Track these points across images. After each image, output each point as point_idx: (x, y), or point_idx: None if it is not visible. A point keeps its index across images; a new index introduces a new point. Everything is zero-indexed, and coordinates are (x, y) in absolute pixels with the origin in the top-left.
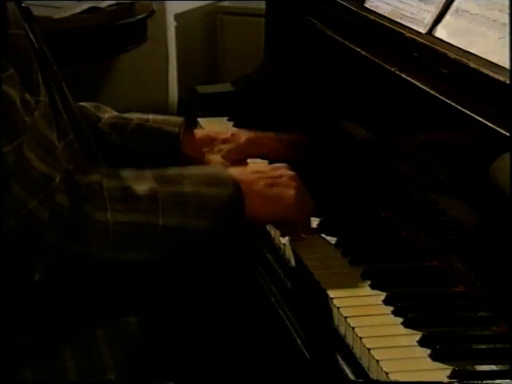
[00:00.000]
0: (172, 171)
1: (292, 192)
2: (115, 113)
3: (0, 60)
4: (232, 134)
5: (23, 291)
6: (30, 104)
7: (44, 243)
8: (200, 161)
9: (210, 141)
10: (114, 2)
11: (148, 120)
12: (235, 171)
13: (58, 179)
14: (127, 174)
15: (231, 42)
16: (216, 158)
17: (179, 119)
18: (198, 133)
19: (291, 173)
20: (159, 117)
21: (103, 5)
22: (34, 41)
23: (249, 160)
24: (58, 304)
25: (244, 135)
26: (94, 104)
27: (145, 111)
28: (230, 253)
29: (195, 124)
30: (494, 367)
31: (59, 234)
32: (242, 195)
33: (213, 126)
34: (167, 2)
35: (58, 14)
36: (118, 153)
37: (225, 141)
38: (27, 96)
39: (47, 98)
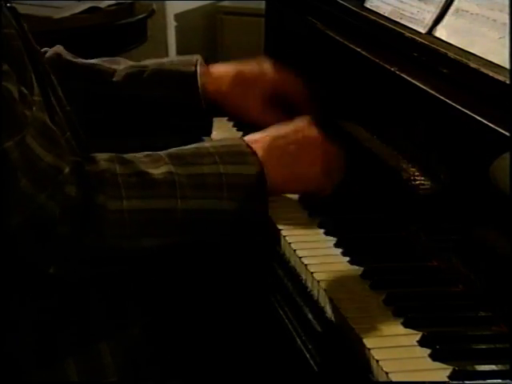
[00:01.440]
0: (189, 150)
1: (317, 169)
2: (130, 62)
3: None
4: (261, 73)
5: (21, 293)
6: (28, 98)
7: (57, 237)
8: (225, 102)
9: (241, 81)
10: (113, 2)
11: (163, 64)
12: (255, 142)
13: (66, 170)
14: (141, 158)
15: (231, 42)
16: (249, 103)
17: (193, 57)
18: (217, 68)
19: (315, 133)
20: (176, 58)
21: (103, 5)
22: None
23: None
24: (58, 308)
25: (271, 75)
26: (107, 58)
27: None
28: (252, 232)
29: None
30: (493, 367)
31: (73, 227)
32: (264, 173)
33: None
34: (167, 2)
35: (58, 14)
36: (135, 107)
37: (255, 82)
38: (24, 90)
39: (41, 97)
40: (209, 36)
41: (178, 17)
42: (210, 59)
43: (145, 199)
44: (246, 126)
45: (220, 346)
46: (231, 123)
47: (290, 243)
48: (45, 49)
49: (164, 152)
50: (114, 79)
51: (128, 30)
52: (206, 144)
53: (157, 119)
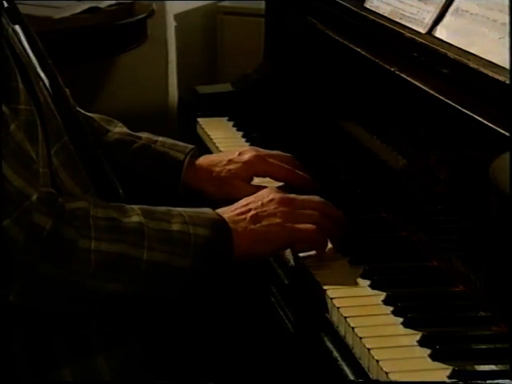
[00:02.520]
0: (161, 209)
1: (278, 220)
2: (125, 129)
3: None
4: (239, 153)
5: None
6: (5, 116)
7: (20, 264)
8: (201, 193)
9: (214, 166)
10: (113, 2)
11: (156, 142)
12: (223, 213)
13: (34, 197)
14: (115, 206)
15: (231, 42)
16: (211, 189)
17: (188, 146)
18: (201, 161)
19: (278, 196)
20: (169, 141)
21: (103, 5)
22: (19, 42)
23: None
24: (54, 319)
25: (250, 152)
26: (105, 118)
27: (144, 112)
28: (215, 289)
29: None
30: (493, 367)
31: (38, 256)
32: (231, 236)
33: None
34: (167, 2)
35: (58, 14)
36: (118, 172)
37: (230, 161)
38: (3, 108)
39: (31, 103)
40: (209, 36)
41: (177, 17)
42: (209, 59)
43: (113, 243)
44: (247, 126)
45: (218, 355)
46: (231, 123)
47: None
48: None
49: (137, 206)
50: (104, 139)
51: (128, 30)
52: (179, 208)
53: (133, 187)
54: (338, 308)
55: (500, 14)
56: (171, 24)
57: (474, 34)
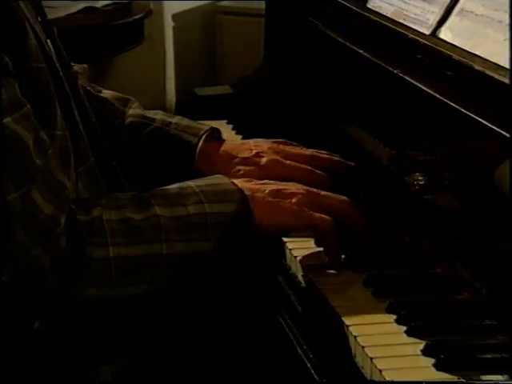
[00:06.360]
0: (174, 189)
1: (297, 200)
2: (139, 111)
3: (15, 99)
4: (256, 153)
5: (21, 335)
6: (44, 143)
7: (45, 290)
8: None
9: (229, 159)
10: (110, 1)
11: (170, 124)
12: (238, 181)
13: (63, 223)
14: (127, 201)
15: (230, 43)
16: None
17: (203, 128)
18: (218, 147)
19: (298, 185)
20: (184, 122)
21: (99, 5)
22: (55, 62)
23: None
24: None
25: (268, 155)
26: (120, 97)
27: None
28: (241, 267)
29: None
30: (499, 377)
31: (59, 279)
32: (250, 207)
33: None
34: (165, 2)
35: (53, 14)
36: (132, 156)
37: (245, 160)
38: (42, 134)
39: (66, 128)
40: (207, 36)
41: (175, 17)
42: (208, 60)
43: (131, 246)
44: (246, 129)
45: (226, 364)
46: (230, 126)
47: (290, 249)
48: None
49: (149, 193)
50: (119, 122)
51: (125, 30)
52: (191, 183)
53: (147, 170)
54: (340, 317)
55: (506, 15)
56: (169, 24)
57: (480, 36)
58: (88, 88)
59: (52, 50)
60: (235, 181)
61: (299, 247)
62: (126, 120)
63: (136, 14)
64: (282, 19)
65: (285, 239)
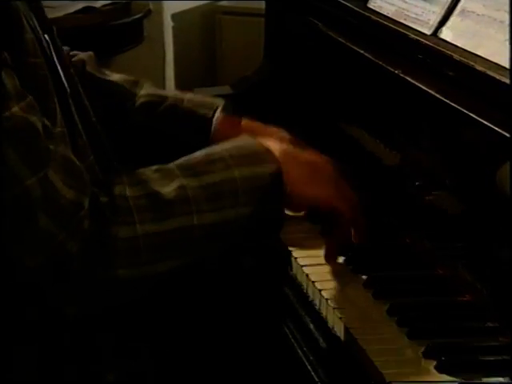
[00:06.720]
0: (199, 157)
1: (330, 173)
2: (151, 90)
3: (19, 89)
4: (280, 139)
5: (26, 331)
6: (51, 130)
7: (74, 274)
8: None
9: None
10: (109, 1)
11: (183, 100)
12: (268, 142)
13: (86, 205)
14: (151, 175)
15: (230, 43)
16: None
17: (217, 102)
18: (234, 120)
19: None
20: (197, 98)
21: (98, 4)
22: (54, 58)
23: None
24: (62, 338)
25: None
26: (130, 80)
27: None
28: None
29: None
30: (501, 379)
31: (87, 263)
32: (281, 169)
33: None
34: (164, 2)
35: (52, 14)
36: (146, 136)
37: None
38: (46, 122)
39: (64, 126)
40: (207, 36)
41: (175, 17)
42: (208, 61)
43: (158, 221)
44: None
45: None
46: None
47: (296, 258)
48: (74, 52)
49: (174, 163)
50: (131, 104)
51: (124, 30)
52: (217, 148)
53: (165, 149)
54: (340, 318)
55: (507, 15)
56: (168, 24)
57: (481, 36)
58: (98, 75)
59: (51, 45)
60: (266, 142)
61: (304, 256)
62: (137, 101)
63: (135, 14)
64: (282, 19)
65: (291, 248)
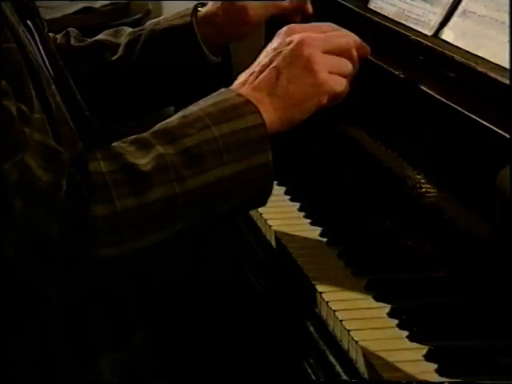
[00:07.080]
0: (176, 121)
1: (308, 79)
2: (129, 30)
3: None
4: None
5: (18, 319)
6: (26, 114)
7: (57, 258)
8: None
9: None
10: (108, 1)
11: (159, 22)
12: (242, 85)
13: (64, 185)
14: (126, 147)
15: (230, 44)
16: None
17: (190, 6)
18: (215, 10)
19: (297, 41)
20: (170, 15)
21: (97, 5)
22: (32, 40)
23: None
24: (56, 320)
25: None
26: (111, 31)
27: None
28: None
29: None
30: (505, 383)
31: (68, 245)
32: (263, 118)
33: None
34: (163, 2)
35: (50, 15)
36: (146, 80)
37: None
38: (24, 107)
39: (43, 111)
40: None
41: None
42: None
43: (138, 195)
44: None
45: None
46: None
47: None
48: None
49: (150, 132)
50: (117, 57)
51: None
52: (194, 108)
53: (169, 84)
54: (341, 321)
55: (508, 16)
56: None
57: (482, 37)
58: (81, 45)
59: (34, 31)
60: (240, 90)
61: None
62: (122, 49)
63: (134, 15)
64: (281, 19)
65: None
